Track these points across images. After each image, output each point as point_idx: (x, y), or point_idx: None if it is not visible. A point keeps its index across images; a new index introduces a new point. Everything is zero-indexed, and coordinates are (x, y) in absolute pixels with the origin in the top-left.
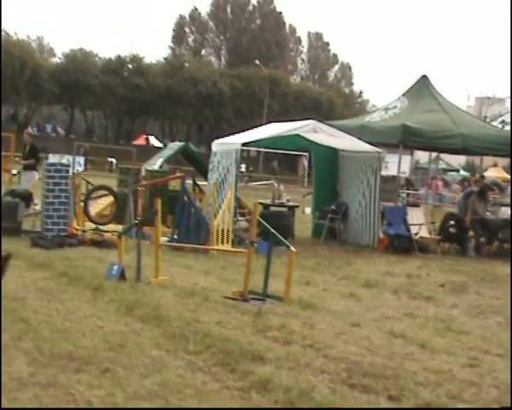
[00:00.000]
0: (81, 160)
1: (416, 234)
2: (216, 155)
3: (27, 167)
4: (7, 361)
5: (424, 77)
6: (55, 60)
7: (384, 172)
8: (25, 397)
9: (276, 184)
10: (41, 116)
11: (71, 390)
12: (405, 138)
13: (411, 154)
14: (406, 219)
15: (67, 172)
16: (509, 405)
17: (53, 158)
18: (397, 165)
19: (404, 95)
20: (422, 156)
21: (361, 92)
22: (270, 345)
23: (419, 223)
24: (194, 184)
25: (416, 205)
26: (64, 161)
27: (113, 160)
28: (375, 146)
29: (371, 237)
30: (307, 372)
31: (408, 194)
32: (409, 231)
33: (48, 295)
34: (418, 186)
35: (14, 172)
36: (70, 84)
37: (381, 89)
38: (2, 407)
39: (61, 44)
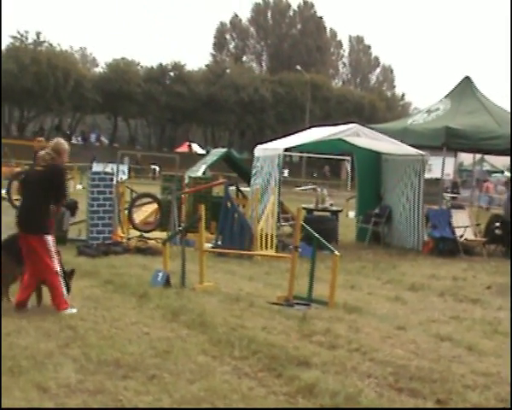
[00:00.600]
0: (125, 168)
1: (462, 236)
2: (258, 160)
3: None
4: (54, 368)
5: (467, 78)
6: (98, 70)
7: (428, 175)
8: (73, 403)
9: (319, 189)
10: (85, 126)
11: (118, 397)
12: (449, 140)
13: (455, 156)
14: (451, 221)
15: (111, 180)
16: (509, 405)
17: (97, 167)
18: (440, 167)
19: (446, 96)
20: (466, 158)
21: (403, 95)
22: (316, 350)
23: (464, 225)
24: (238, 189)
25: (460, 207)
26: (108, 169)
27: (156, 167)
28: (418, 149)
29: (416, 240)
30: (354, 377)
31: (453, 197)
32: (454, 233)
33: (94, 302)
34: (462, 188)
35: None
36: (113, 94)
37: (423, 91)
38: (3, 406)
39: (103, 54)
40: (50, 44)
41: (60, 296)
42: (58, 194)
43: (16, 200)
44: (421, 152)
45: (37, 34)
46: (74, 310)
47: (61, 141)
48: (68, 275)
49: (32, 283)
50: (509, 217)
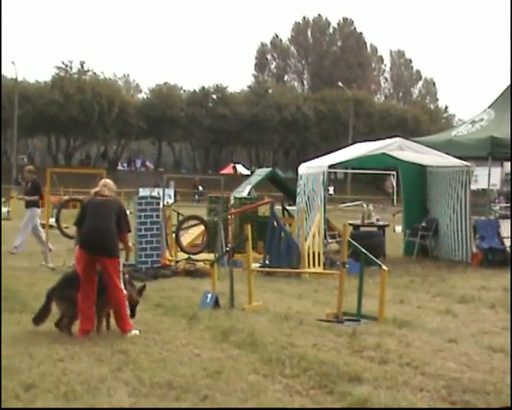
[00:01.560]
0: (171, 192)
1: (511, 246)
2: (303, 178)
3: (29, 204)
4: (107, 392)
5: (510, 86)
6: (142, 95)
7: (474, 186)
8: None
9: (365, 205)
10: (130, 152)
11: None
12: (494, 150)
13: (501, 165)
14: (499, 232)
15: (158, 204)
16: (509, 405)
17: (143, 192)
18: (487, 178)
19: (490, 106)
20: None
21: (446, 107)
22: (367, 365)
23: None
24: (283, 208)
25: (508, 217)
26: (154, 193)
27: (201, 187)
28: (464, 160)
29: (464, 252)
30: (406, 391)
31: (501, 207)
32: (503, 244)
33: (145, 326)
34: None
35: None
36: (157, 119)
37: (466, 102)
38: (2, 407)
39: (146, 80)
40: (94, 73)
41: (125, 318)
42: (124, 222)
43: (66, 227)
44: (466, 163)
45: (81, 63)
46: (137, 332)
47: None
48: (140, 291)
49: (102, 308)
50: None
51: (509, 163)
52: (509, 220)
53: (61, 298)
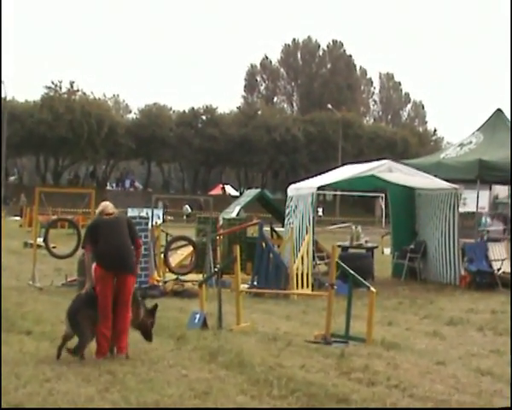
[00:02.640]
0: (160, 212)
1: (499, 269)
2: (292, 199)
3: None
4: None
5: (499, 110)
6: (131, 115)
7: (462, 209)
8: None
9: (353, 226)
10: (119, 172)
11: None
12: (482, 173)
13: (490, 189)
14: (488, 254)
15: (147, 224)
16: (509, 405)
17: (132, 212)
18: (475, 201)
19: (479, 130)
20: (502, 190)
21: (435, 130)
22: (355, 387)
23: (501, 258)
24: (272, 230)
25: (497, 240)
26: (143, 214)
27: (188, 207)
28: (452, 183)
29: (452, 275)
30: None
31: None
32: (491, 266)
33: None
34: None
35: None
36: (146, 139)
37: (455, 126)
38: (3, 406)
39: (136, 100)
40: (84, 93)
41: (126, 338)
42: (136, 234)
43: (54, 247)
44: (454, 186)
45: (71, 83)
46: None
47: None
48: (151, 311)
49: (122, 327)
50: None
51: (497, 187)
52: (498, 243)
53: (82, 319)
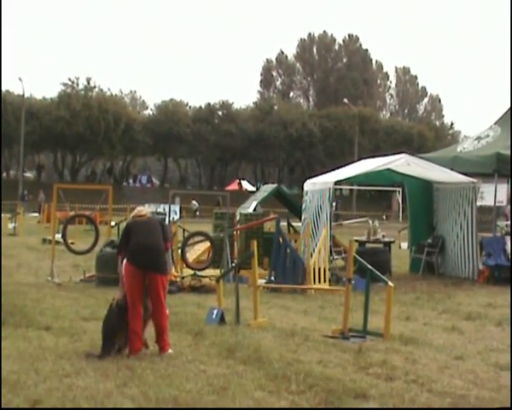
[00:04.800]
0: (176, 208)
1: None
2: (308, 194)
3: None
4: (113, 408)
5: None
6: (148, 112)
7: (480, 203)
8: None
9: (370, 221)
10: (136, 168)
11: None
12: (500, 166)
13: (507, 182)
14: (506, 248)
15: (164, 220)
16: (509, 405)
17: (149, 208)
18: (493, 194)
19: (496, 123)
20: None
21: (452, 124)
22: (373, 382)
23: None
24: (289, 225)
25: None
26: (160, 209)
27: (195, 202)
28: (469, 176)
29: (470, 269)
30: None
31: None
32: (509, 261)
33: (150, 341)
34: None
35: (113, 223)
36: (163, 135)
37: (472, 119)
38: (3, 406)
39: (152, 96)
40: (101, 89)
41: (167, 338)
42: (167, 234)
43: (72, 243)
44: (472, 179)
45: (88, 80)
46: (171, 352)
47: None
48: None
49: (159, 327)
50: None
51: None
52: None
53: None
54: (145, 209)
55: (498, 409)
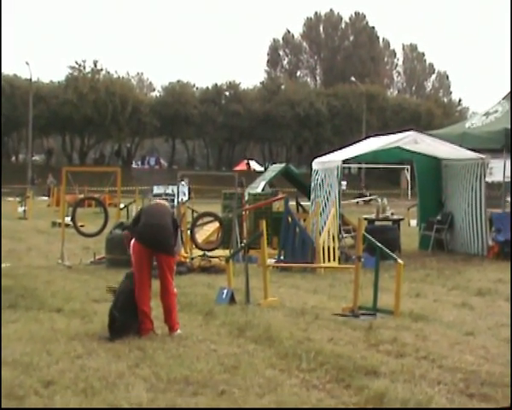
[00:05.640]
0: (185, 189)
1: None
2: (317, 173)
3: None
4: (126, 388)
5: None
6: (155, 94)
7: (489, 179)
8: None
9: (379, 199)
10: (144, 150)
11: None
12: (509, 142)
13: None
14: None
15: (172, 201)
16: (509, 405)
17: (157, 189)
18: (502, 170)
19: (504, 98)
20: None
21: (460, 100)
22: (384, 359)
23: None
24: (298, 204)
25: None
26: (169, 191)
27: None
28: (478, 152)
29: (480, 245)
30: (423, 384)
31: None
32: None
33: (161, 322)
34: None
35: (122, 206)
36: (170, 117)
37: (480, 95)
38: (3, 406)
39: (159, 78)
40: (108, 72)
41: (175, 318)
42: (177, 227)
43: (82, 226)
44: (481, 155)
45: (95, 63)
46: (181, 332)
47: None
48: None
49: (167, 306)
50: None
51: None
52: None
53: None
54: (166, 203)
55: (498, 409)
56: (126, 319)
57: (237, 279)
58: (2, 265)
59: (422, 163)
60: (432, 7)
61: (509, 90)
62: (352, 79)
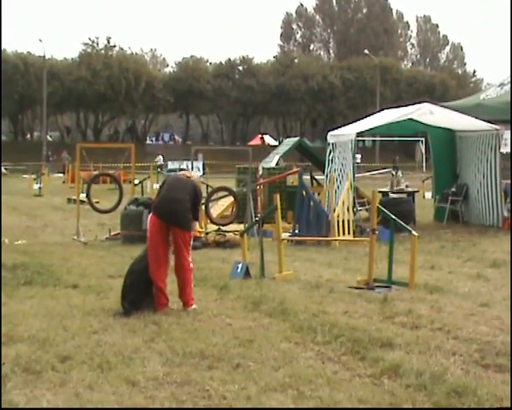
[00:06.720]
0: (199, 164)
1: None
2: (331, 146)
3: None
4: (141, 362)
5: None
6: (168, 69)
7: (504, 150)
8: (161, 396)
9: (393, 172)
10: (158, 126)
11: (205, 387)
12: None
13: None
14: None
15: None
16: (510, 405)
17: (172, 164)
18: None
19: None
20: None
21: (474, 72)
22: (399, 331)
23: None
24: (312, 178)
25: None
26: (183, 166)
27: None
28: (493, 124)
29: (495, 217)
30: (438, 355)
31: None
32: None
33: (176, 297)
34: None
35: (136, 181)
36: (184, 92)
37: (494, 66)
38: (6, 406)
39: (173, 54)
40: (121, 48)
41: (190, 293)
42: (198, 202)
43: (97, 202)
44: (495, 126)
45: (108, 39)
46: (196, 307)
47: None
48: None
49: (181, 281)
50: None
51: None
52: None
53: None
54: (192, 173)
55: (498, 409)
56: (135, 297)
57: (252, 253)
58: (18, 241)
59: (437, 135)
60: None
61: None
62: (366, 51)
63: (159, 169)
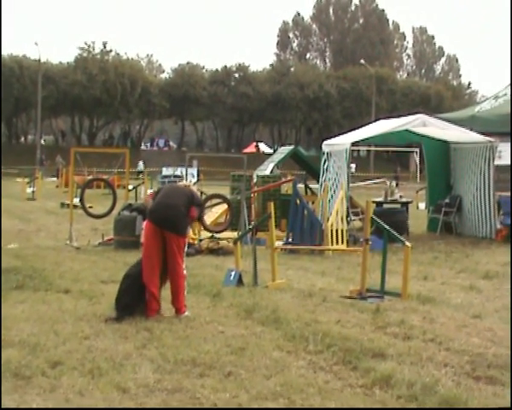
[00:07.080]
0: (194, 171)
1: None
2: (326, 155)
3: None
4: (133, 369)
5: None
6: (164, 75)
7: (498, 162)
8: (152, 403)
9: (388, 182)
10: (153, 132)
11: (196, 395)
12: None
13: None
14: None
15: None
16: (509, 405)
17: (166, 171)
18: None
19: None
20: None
21: (469, 84)
22: (391, 341)
23: None
24: (306, 186)
25: None
26: (178, 172)
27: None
28: (487, 136)
29: (488, 229)
30: (430, 366)
31: None
32: None
33: (169, 304)
34: None
35: (130, 187)
36: (179, 98)
37: (489, 78)
38: (2, 406)
39: (169, 60)
40: (117, 53)
41: (183, 300)
42: (198, 202)
43: (90, 207)
44: (489, 138)
45: (104, 44)
46: (189, 314)
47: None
48: None
49: (173, 287)
50: None
51: None
52: None
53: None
54: (189, 183)
55: (498, 409)
56: (128, 301)
57: (245, 261)
58: (11, 245)
59: (431, 146)
60: None
61: None
62: (362, 61)
63: (140, 176)
